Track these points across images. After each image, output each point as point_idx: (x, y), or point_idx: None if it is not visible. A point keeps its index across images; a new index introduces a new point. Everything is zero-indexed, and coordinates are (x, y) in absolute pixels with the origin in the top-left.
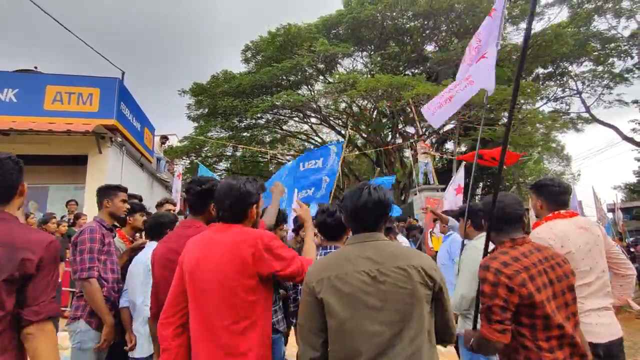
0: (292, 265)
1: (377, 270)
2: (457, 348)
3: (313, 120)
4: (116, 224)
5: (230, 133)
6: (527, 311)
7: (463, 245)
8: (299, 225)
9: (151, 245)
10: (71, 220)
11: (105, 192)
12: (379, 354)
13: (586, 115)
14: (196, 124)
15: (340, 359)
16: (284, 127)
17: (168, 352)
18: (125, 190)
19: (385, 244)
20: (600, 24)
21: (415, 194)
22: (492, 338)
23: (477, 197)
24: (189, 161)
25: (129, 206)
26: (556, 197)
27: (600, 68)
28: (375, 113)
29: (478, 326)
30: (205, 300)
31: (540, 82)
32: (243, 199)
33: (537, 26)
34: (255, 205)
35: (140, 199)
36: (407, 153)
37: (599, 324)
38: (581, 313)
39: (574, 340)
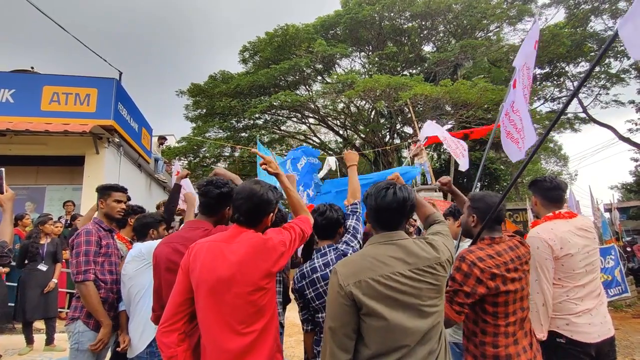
0: (296, 239)
1: (410, 271)
2: None
3: (311, 120)
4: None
5: (228, 133)
6: (492, 300)
7: (458, 246)
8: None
9: (136, 247)
10: (68, 221)
11: (100, 192)
12: (417, 343)
13: (583, 115)
14: (194, 125)
15: (381, 353)
16: (282, 128)
17: (175, 358)
18: (121, 189)
19: (410, 243)
20: (596, 24)
21: None
22: (449, 316)
23: None
24: (186, 162)
25: (123, 206)
26: (547, 192)
27: (597, 68)
28: (373, 113)
29: None
30: (220, 309)
31: (537, 83)
32: (263, 206)
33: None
34: (272, 214)
35: (129, 199)
36: (405, 153)
37: (591, 324)
38: (574, 314)
39: (531, 330)
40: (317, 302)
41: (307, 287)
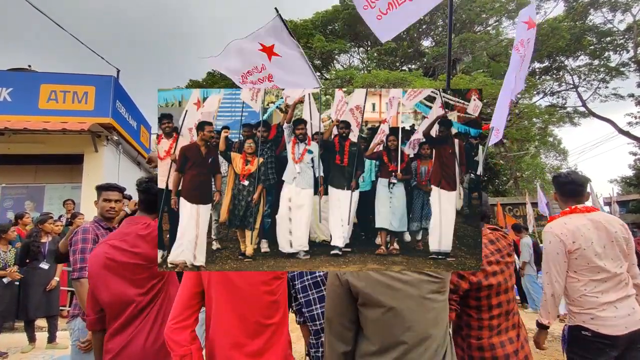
0: None
1: None
2: None
3: None
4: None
5: None
6: (475, 294)
7: None
8: None
9: None
10: (69, 220)
11: (97, 192)
12: (418, 342)
13: (582, 109)
14: None
15: (380, 350)
16: None
17: (189, 357)
18: (110, 188)
19: None
20: (596, 17)
21: None
22: None
23: None
24: None
25: (113, 205)
26: (562, 186)
27: (596, 62)
28: None
29: None
30: (237, 296)
31: (537, 77)
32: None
33: None
34: None
35: (129, 198)
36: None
37: (616, 317)
38: (597, 308)
39: (518, 322)
40: (302, 295)
41: (297, 277)
